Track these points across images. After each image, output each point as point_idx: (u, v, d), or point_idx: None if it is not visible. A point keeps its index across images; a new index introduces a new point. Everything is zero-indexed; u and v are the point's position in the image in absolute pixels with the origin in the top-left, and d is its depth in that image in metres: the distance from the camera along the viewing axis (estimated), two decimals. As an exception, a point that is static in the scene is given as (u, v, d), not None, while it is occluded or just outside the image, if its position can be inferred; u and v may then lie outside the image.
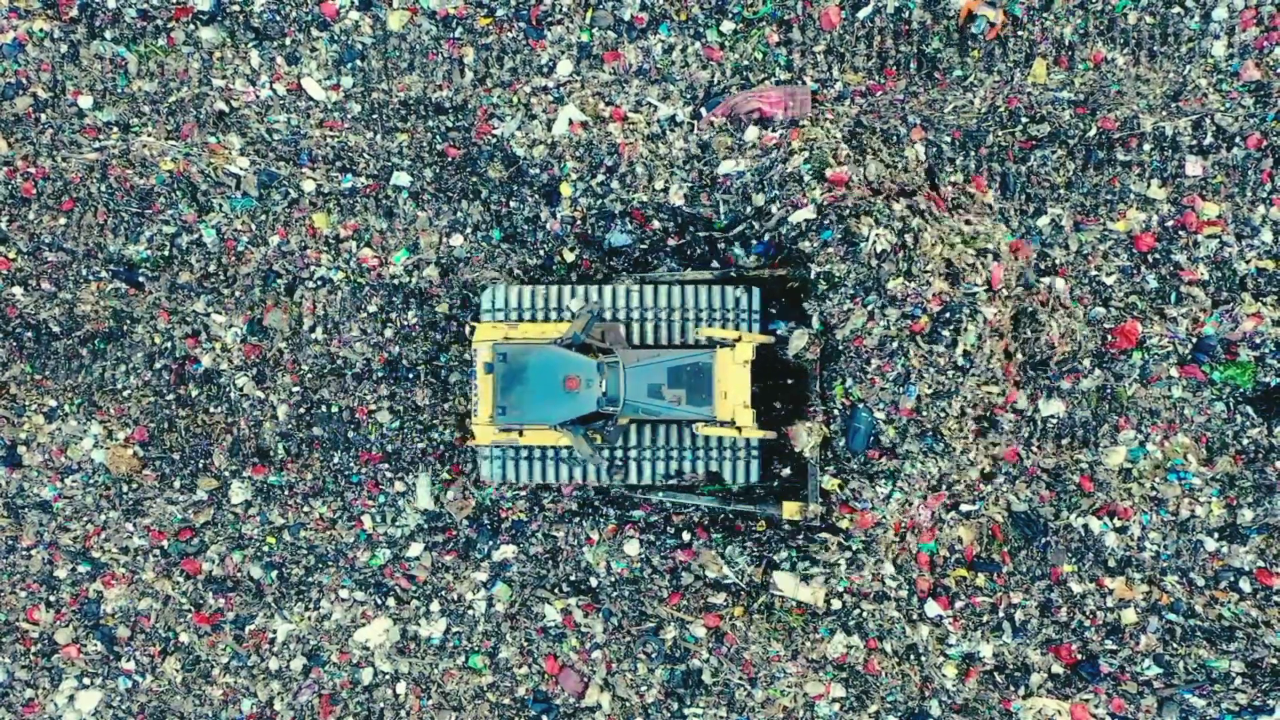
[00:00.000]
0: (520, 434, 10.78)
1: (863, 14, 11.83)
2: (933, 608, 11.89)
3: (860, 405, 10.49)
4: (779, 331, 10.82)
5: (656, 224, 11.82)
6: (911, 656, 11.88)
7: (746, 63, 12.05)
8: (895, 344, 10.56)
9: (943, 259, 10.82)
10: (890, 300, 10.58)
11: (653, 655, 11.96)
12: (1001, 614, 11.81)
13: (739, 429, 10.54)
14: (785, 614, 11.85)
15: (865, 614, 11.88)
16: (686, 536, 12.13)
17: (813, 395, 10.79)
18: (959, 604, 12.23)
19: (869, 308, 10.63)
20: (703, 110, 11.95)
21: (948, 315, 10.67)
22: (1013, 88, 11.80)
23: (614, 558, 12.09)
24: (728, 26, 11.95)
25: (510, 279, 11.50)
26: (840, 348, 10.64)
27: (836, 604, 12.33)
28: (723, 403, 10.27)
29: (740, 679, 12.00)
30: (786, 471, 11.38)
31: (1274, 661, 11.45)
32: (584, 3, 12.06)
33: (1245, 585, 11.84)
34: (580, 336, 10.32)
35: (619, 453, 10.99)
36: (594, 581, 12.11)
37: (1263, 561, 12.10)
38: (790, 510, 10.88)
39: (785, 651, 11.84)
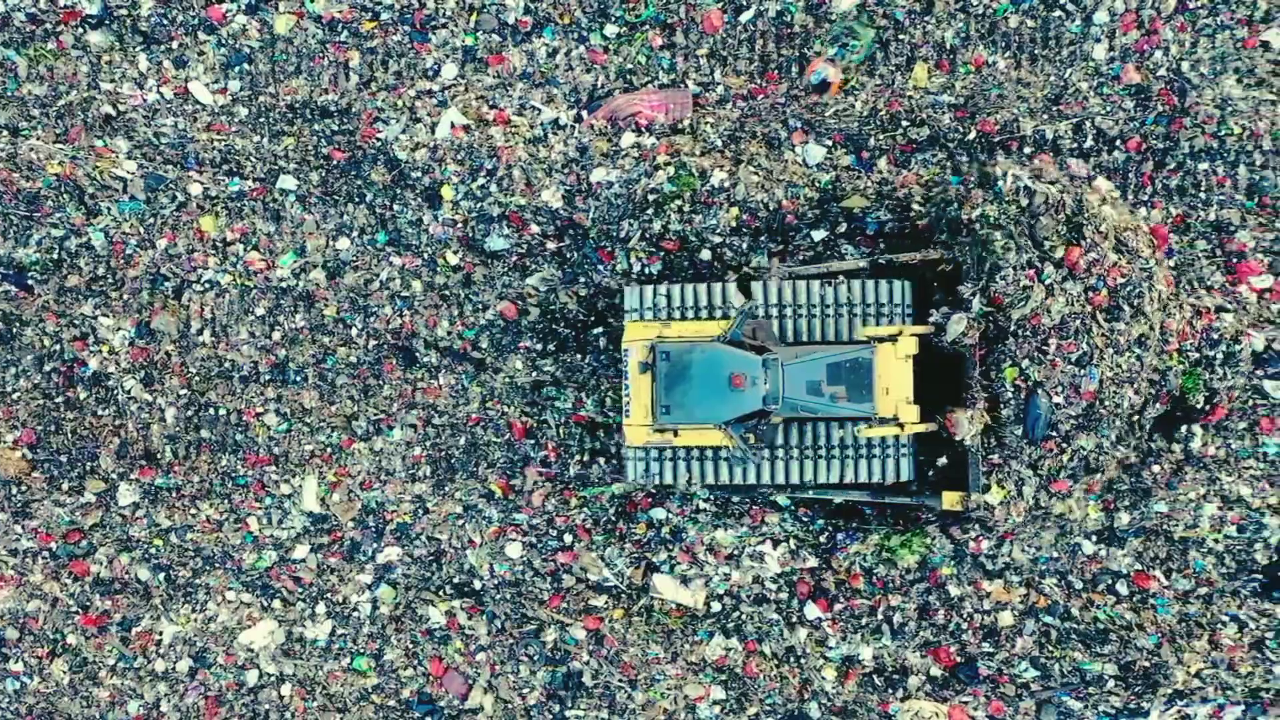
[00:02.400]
0: (675, 434, 10.48)
1: (745, 17, 11.54)
2: (812, 610, 11.46)
3: (1038, 390, 10.19)
4: (934, 318, 10.44)
5: (535, 228, 11.64)
6: (791, 659, 11.53)
7: (630, 66, 11.61)
8: (1078, 321, 10.18)
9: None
10: (1070, 274, 10.18)
11: (534, 657, 11.66)
12: (880, 616, 11.44)
13: (901, 426, 10.23)
14: (664, 616, 11.51)
15: (744, 616, 11.66)
16: (569, 539, 12.37)
17: (973, 382, 10.36)
18: (838, 606, 12.48)
19: (1047, 281, 10.33)
20: (584, 113, 11.96)
21: (1129, 289, 10.29)
22: (894, 91, 11.49)
23: (496, 560, 11.77)
24: (611, 30, 11.59)
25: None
26: (1013, 328, 10.24)
27: (716, 606, 12.18)
28: (884, 399, 9.97)
29: (620, 681, 11.63)
30: (942, 461, 10.83)
31: (1146, 664, 11.13)
32: (468, 6, 11.73)
33: (1122, 588, 11.46)
34: (738, 334, 10.06)
35: (779, 452, 10.72)
36: (478, 584, 11.88)
37: (1140, 564, 12.18)
38: (950, 500, 10.51)
39: (665, 654, 11.49)
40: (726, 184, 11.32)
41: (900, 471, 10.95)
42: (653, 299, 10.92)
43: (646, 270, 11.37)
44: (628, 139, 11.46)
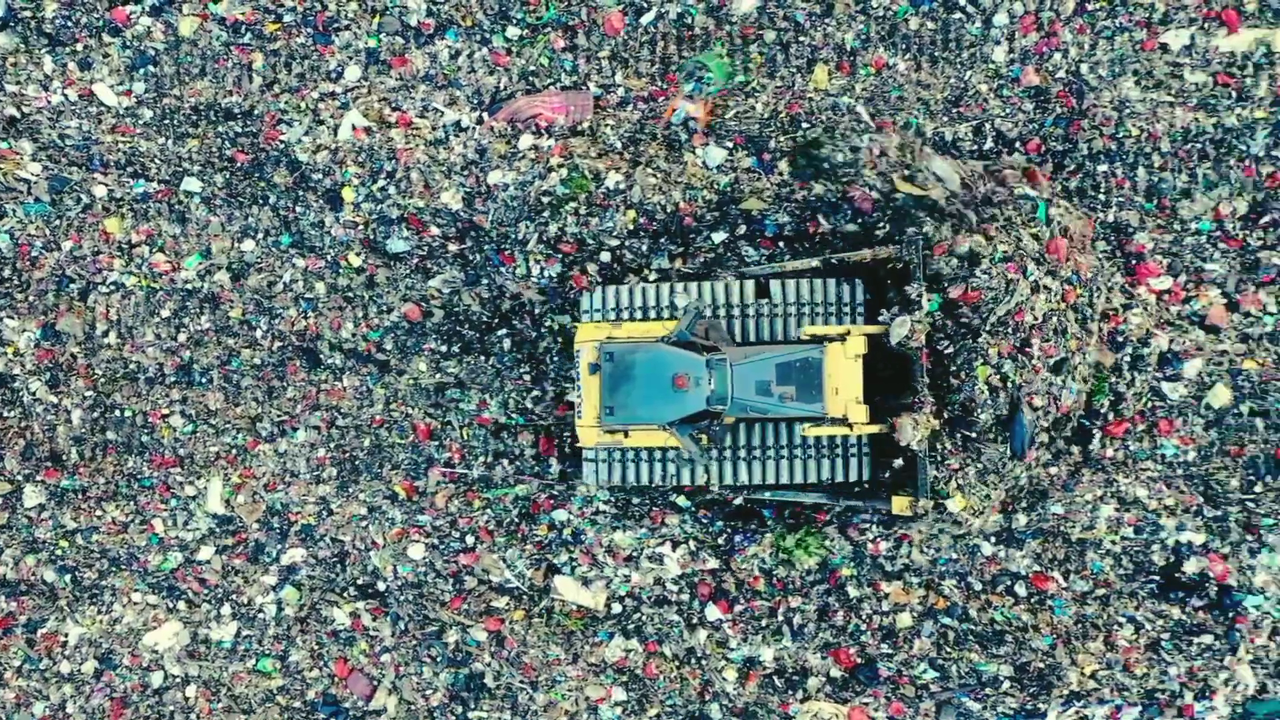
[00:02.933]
0: (625, 435, 10.44)
1: (645, 20, 11.42)
2: (713, 612, 11.35)
3: (1022, 403, 10.13)
4: (884, 319, 10.37)
5: (435, 230, 11.54)
6: (691, 660, 11.44)
7: (533, 68, 11.49)
8: (1055, 319, 10.17)
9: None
10: (1051, 270, 10.13)
11: (437, 659, 11.60)
12: (780, 618, 11.39)
13: (850, 426, 10.14)
14: (565, 618, 11.45)
15: (645, 618, 11.54)
16: (471, 540, 12.26)
17: (919, 385, 10.23)
18: (738, 608, 11.82)
19: (1032, 278, 10.22)
20: (485, 115, 11.56)
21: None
22: (794, 93, 11.43)
23: (400, 562, 11.72)
24: (513, 32, 11.48)
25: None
26: (992, 327, 10.14)
27: (617, 608, 11.78)
28: (834, 399, 9.91)
29: (522, 682, 11.52)
30: (898, 463, 10.58)
31: (1041, 665, 11.08)
32: (370, 9, 11.60)
33: (1021, 589, 11.26)
34: (686, 334, 10.06)
35: (725, 453, 10.65)
36: (382, 585, 11.80)
37: (1039, 566, 12.23)
38: (899, 505, 10.43)
39: (565, 655, 11.42)
40: (622, 186, 11.24)
41: (852, 471, 10.77)
42: (605, 300, 10.80)
43: (545, 273, 11.42)
44: (525, 141, 11.44)
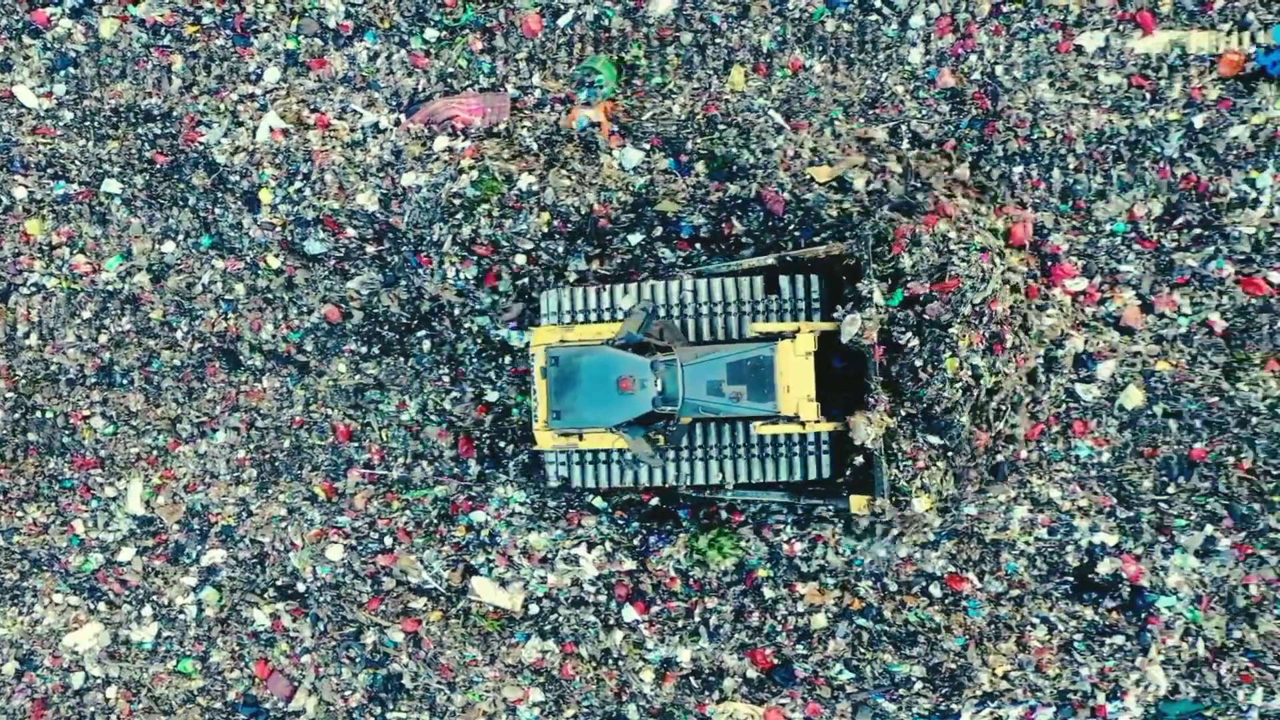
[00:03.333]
0: (580, 438, 10.42)
1: (563, 21, 11.36)
2: (630, 613, 11.30)
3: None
4: (837, 315, 10.32)
5: (352, 231, 11.40)
6: (608, 661, 11.43)
7: (451, 70, 11.44)
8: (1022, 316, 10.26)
9: None
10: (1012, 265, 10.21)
11: (356, 660, 11.59)
12: (697, 619, 11.34)
13: (803, 424, 10.10)
14: (481, 619, 11.40)
15: (562, 619, 11.51)
16: (389, 541, 12.15)
17: (873, 383, 10.18)
18: (655, 609, 11.52)
19: (1002, 268, 10.27)
20: (402, 117, 11.49)
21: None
22: (711, 95, 11.35)
23: (318, 563, 11.72)
24: (431, 34, 11.43)
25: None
26: (964, 318, 10.12)
27: (534, 609, 11.60)
28: (785, 397, 9.85)
29: (439, 683, 11.51)
30: (859, 461, 10.56)
31: (952, 666, 11.08)
32: (289, 10, 11.56)
33: (936, 590, 11.20)
34: (637, 335, 10.00)
35: (684, 453, 10.56)
36: (301, 586, 11.77)
37: (954, 567, 11.70)
38: (857, 504, 10.42)
39: (482, 656, 11.35)
40: (535, 188, 11.18)
41: (812, 470, 10.64)
42: (562, 302, 10.72)
43: (461, 275, 11.45)
44: (440, 142, 11.32)
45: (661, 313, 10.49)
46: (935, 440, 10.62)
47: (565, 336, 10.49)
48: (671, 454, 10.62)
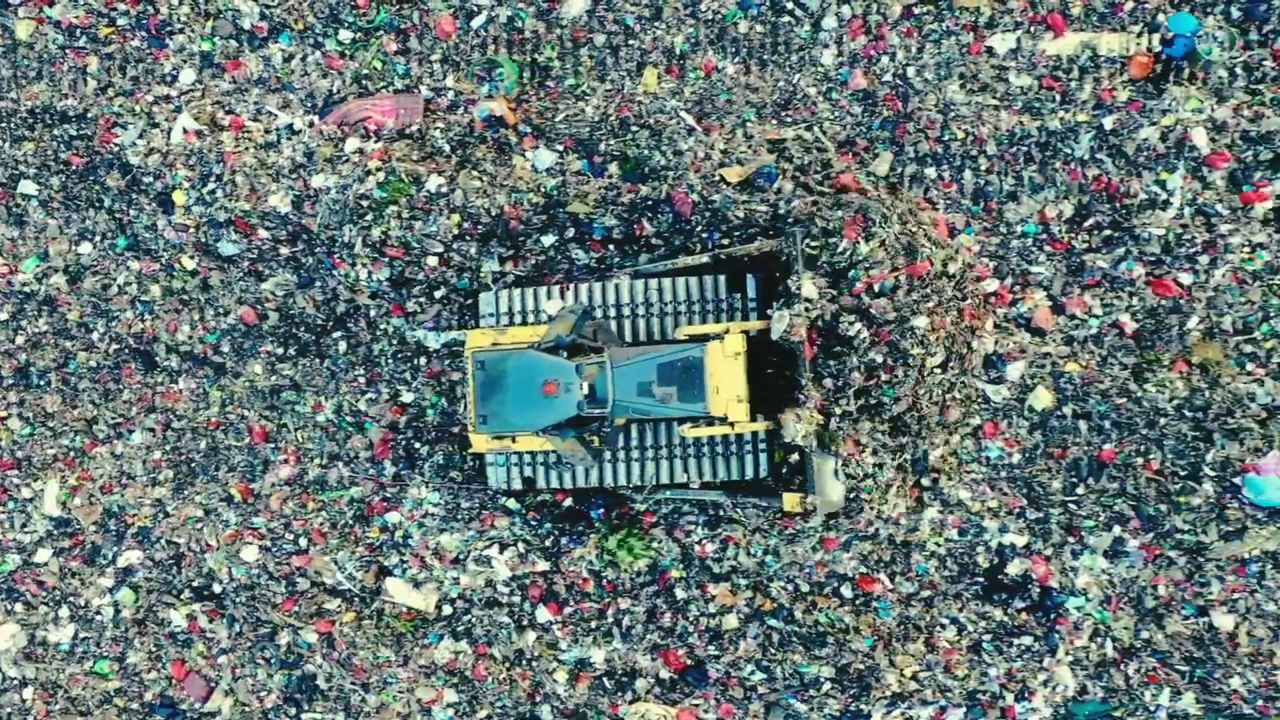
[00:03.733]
0: (513, 440, 10.29)
1: (476, 23, 10.98)
2: (543, 614, 10.96)
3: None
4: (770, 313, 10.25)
5: (264, 233, 11.02)
6: (522, 662, 11.14)
7: (366, 71, 11.05)
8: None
9: None
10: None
11: (271, 660, 11.23)
12: (610, 619, 11.08)
13: (732, 425, 9.97)
14: (395, 620, 11.06)
15: (474, 620, 11.19)
16: (304, 543, 11.58)
17: (804, 380, 10.15)
18: (568, 610, 11.11)
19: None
20: (315, 119, 11.20)
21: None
22: (624, 96, 11.01)
23: (234, 563, 11.40)
24: (346, 35, 11.03)
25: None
26: (929, 311, 10.11)
27: (448, 609, 11.26)
28: (715, 397, 9.81)
29: (353, 684, 11.12)
30: (794, 458, 10.52)
31: (861, 667, 10.73)
32: (203, 12, 11.19)
33: (847, 591, 10.84)
34: (566, 338, 9.84)
35: (620, 454, 10.48)
36: (217, 587, 11.41)
37: (865, 568, 11.16)
38: (790, 502, 10.33)
39: (396, 657, 10.98)
40: (444, 189, 10.79)
41: (748, 469, 10.53)
42: (501, 304, 10.54)
43: (373, 277, 11.41)
44: (351, 144, 10.78)
45: (597, 314, 10.31)
46: (889, 440, 10.58)
47: (498, 340, 10.15)
48: (607, 455, 10.35)
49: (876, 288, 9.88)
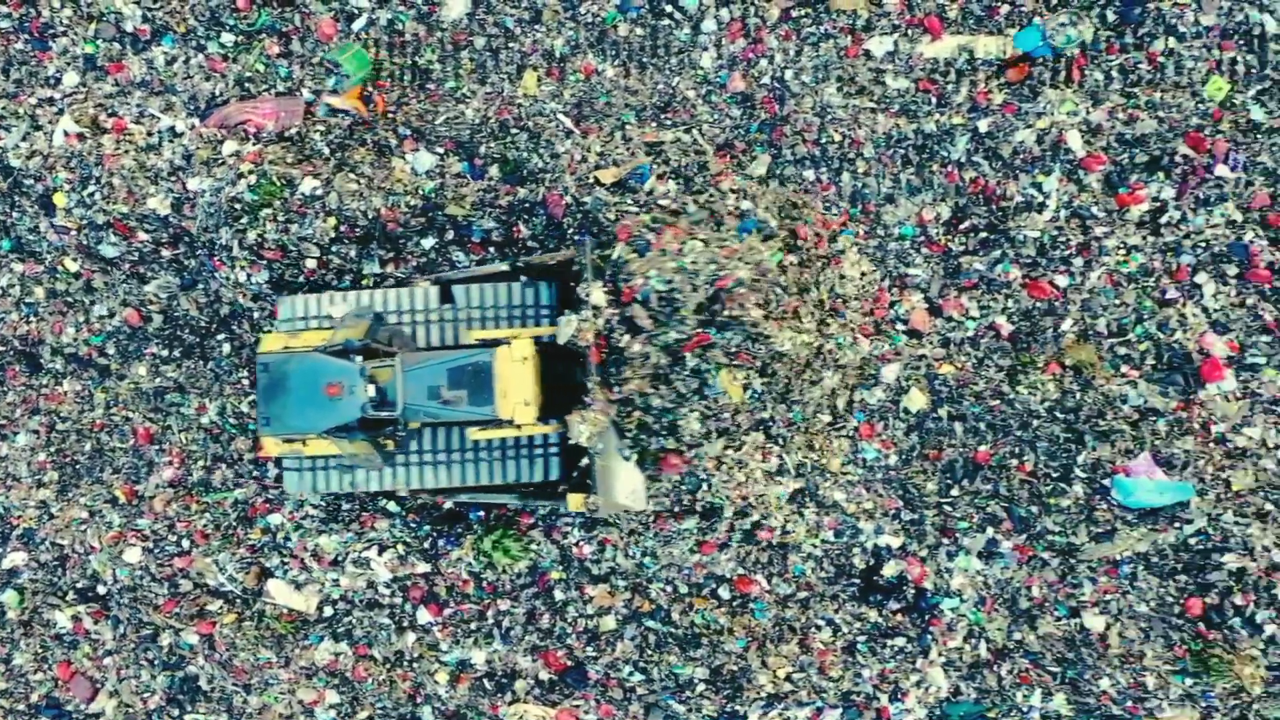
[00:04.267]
0: (304, 444, 10.07)
1: (357, 26, 10.58)
2: (424, 615, 10.51)
3: None
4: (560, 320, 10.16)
5: (144, 235, 10.50)
6: (402, 663, 10.70)
7: (249, 74, 10.63)
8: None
9: None
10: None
11: (154, 662, 10.80)
12: (491, 621, 10.62)
13: (519, 427, 9.93)
14: (275, 621, 10.58)
15: (355, 621, 10.70)
16: (186, 544, 11.18)
17: (590, 384, 10.15)
18: (448, 611, 10.64)
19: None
20: (196, 121, 10.74)
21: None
22: (504, 99, 10.57)
23: (117, 565, 10.90)
24: (228, 38, 10.61)
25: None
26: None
27: (329, 611, 10.69)
28: (503, 401, 9.84)
29: (235, 685, 10.68)
30: (584, 463, 10.34)
31: (734, 668, 10.30)
32: (86, 15, 10.70)
33: (725, 592, 10.44)
34: (357, 343, 9.70)
35: (414, 457, 10.34)
36: (102, 589, 10.93)
37: (743, 569, 10.57)
38: (575, 503, 10.31)
39: (277, 658, 10.53)
40: (319, 192, 10.33)
41: (538, 472, 10.29)
42: (299, 308, 10.32)
43: (253, 279, 11.36)
44: (229, 147, 10.23)
45: (391, 320, 9.91)
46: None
47: (289, 343, 9.81)
48: (401, 458, 9.92)
49: (639, 295, 9.96)
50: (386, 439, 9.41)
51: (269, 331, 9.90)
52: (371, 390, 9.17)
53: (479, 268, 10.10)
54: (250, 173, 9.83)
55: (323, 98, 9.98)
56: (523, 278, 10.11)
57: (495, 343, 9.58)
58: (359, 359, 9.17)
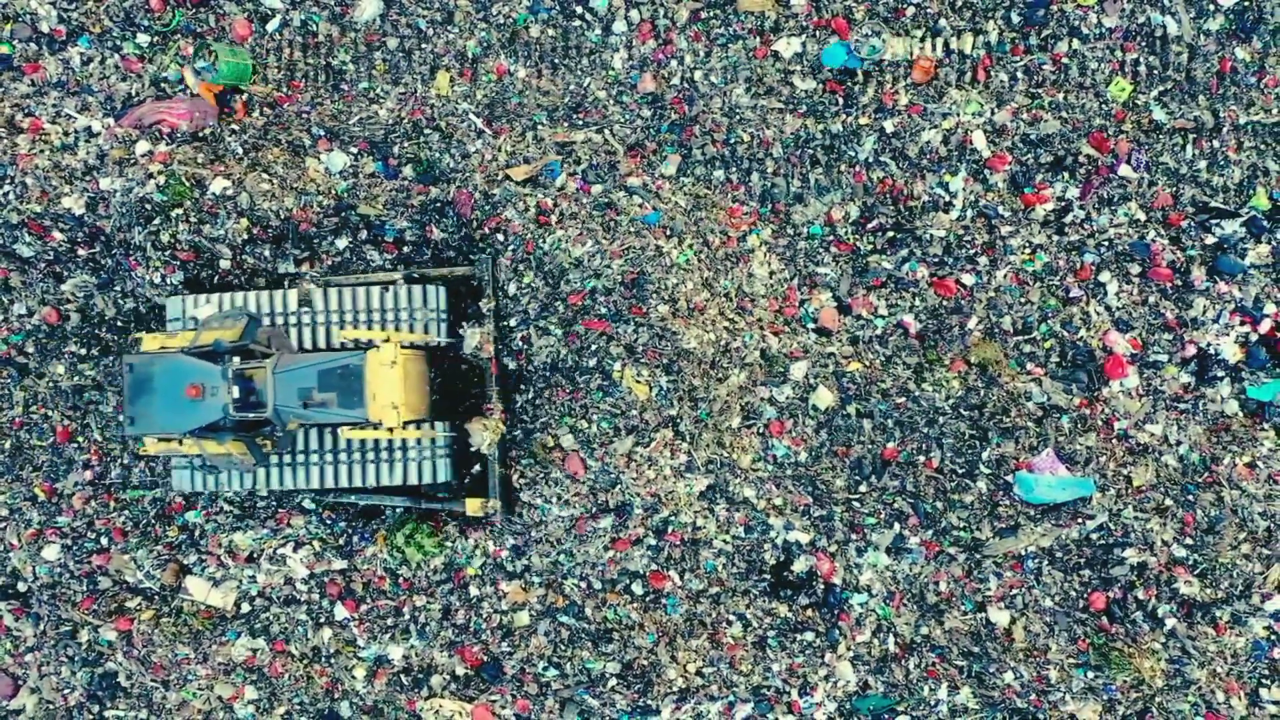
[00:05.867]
0: (180, 442, 10.07)
1: (271, 26, 10.61)
2: (340, 611, 10.50)
3: None
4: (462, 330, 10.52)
5: (59, 235, 10.51)
6: (320, 659, 10.70)
7: (164, 74, 10.67)
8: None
9: None
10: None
11: (74, 659, 10.81)
12: (407, 616, 10.64)
13: (390, 430, 9.93)
14: (193, 617, 10.61)
15: (272, 617, 10.70)
16: (105, 541, 11.12)
17: (491, 393, 10.45)
18: (365, 607, 10.59)
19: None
20: (111, 121, 10.65)
21: None
22: (417, 99, 10.58)
23: (37, 562, 10.86)
24: (144, 39, 10.62)
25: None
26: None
27: (247, 607, 10.71)
28: (373, 404, 9.87)
29: (154, 682, 10.67)
30: (476, 468, 10.64)
31: (644, 663, 10.32)
32: (2, 15, 10.68)
33: (638, 588, 10.46)
34: (227, 344, 9.71)
35: (299, 457, 10.46)
36: (23, 586, 10.99)
37: (656, 565, 10.45)
38: (473, 507, 10.48)
39: (194, 654, 10.54)
40: (230, 192, 10.24)
41: (426, 474, 10.53)
42: (186, 309, 10.35)
43: (168, 280, 11.38)
44: (142, 147, 10.17)
45: (267, 321, 9.97)
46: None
47: (166, 344, 9.85)
48: (276, 459, 9.97)
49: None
50: (264, 440, 9.49)
51: (151, 332, 9.93)
52: (235, 392, 9.23)
53: (372, 274, 10.16)
54: (159, 173, 9.85)
55: (185, 70, 9.96)
56: (399, 279, 10.33)
57: (369, 344, 9.67)
58: (235, 359, 9.22)
